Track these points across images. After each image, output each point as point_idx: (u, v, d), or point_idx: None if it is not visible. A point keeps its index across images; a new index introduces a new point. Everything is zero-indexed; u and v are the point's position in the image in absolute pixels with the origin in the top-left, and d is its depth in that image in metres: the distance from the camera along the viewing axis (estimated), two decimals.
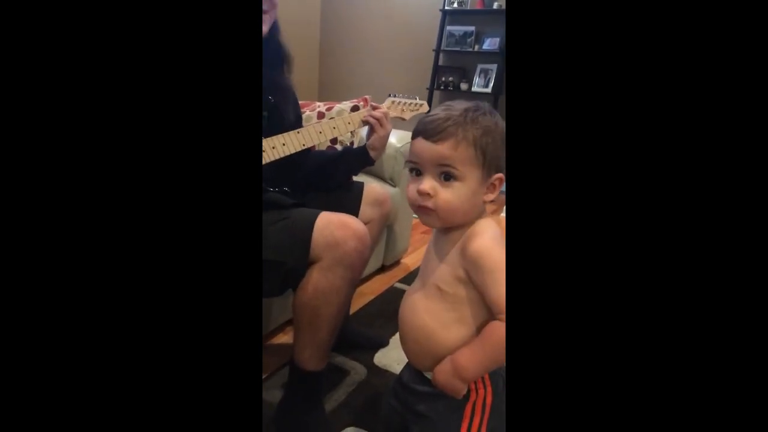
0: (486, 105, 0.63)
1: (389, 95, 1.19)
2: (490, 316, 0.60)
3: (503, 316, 0.57)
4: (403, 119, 1.20)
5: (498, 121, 0.61)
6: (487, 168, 0.60)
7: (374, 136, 1.12)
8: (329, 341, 0.96)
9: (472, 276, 0.60)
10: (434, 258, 0.66)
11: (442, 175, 0.60)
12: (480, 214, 0.63)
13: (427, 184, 0.60)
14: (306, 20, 3.59)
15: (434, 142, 0.59)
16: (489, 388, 0.64)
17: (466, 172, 0.59)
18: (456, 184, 0.59)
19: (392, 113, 1.16)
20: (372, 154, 1.14)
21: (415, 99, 1.20)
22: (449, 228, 0.64)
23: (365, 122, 1.11)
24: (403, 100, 1.18)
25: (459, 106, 0.61)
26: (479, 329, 0.61)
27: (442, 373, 0.62)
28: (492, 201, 0.62)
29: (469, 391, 0.63)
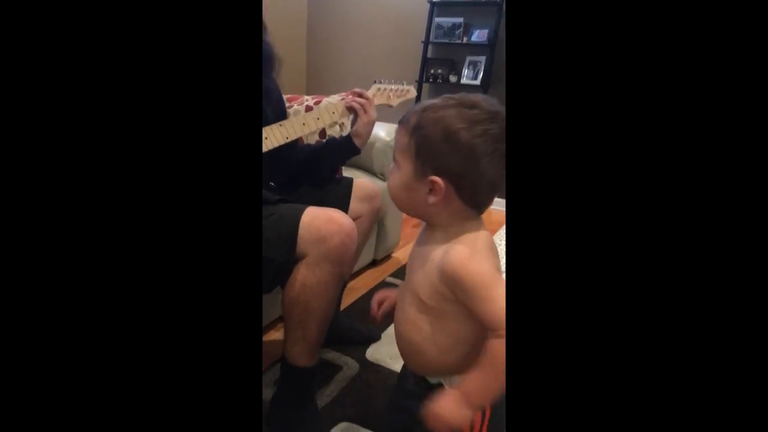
0: (469, 98, 0.56)
1: (375, 82, 1.15)
2: (480, 329, 0.56)
3: (502, 332, 0.52)
4: (390, 106, 1.16)
5: (447, 120, 0.54)
6: (421, 163, 0.56)
7: (359, 123, 1.09)
8: (319, 337, 0.95)
9: (456, 294, 0.56)
10: (416, 260, 0.63)
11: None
12: (463, 219, 0.59)
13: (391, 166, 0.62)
14: (293, 13, 3.55)
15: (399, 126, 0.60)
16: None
17: (401, 160, 0.59)
18: (396, 171, 0.60)
19: (379, 101, 1.12)
20: (357, 141, 1.10)
21: (402, 84, 1.16)
22: (432, 226, 0.61)
23: (349, 108, 1.08)
24: (390, 87, 1.14)
25: (445, 98, 0.58)
26: (471, 344, 0.59)
27: (445, 408, 0.55)
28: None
29: None
